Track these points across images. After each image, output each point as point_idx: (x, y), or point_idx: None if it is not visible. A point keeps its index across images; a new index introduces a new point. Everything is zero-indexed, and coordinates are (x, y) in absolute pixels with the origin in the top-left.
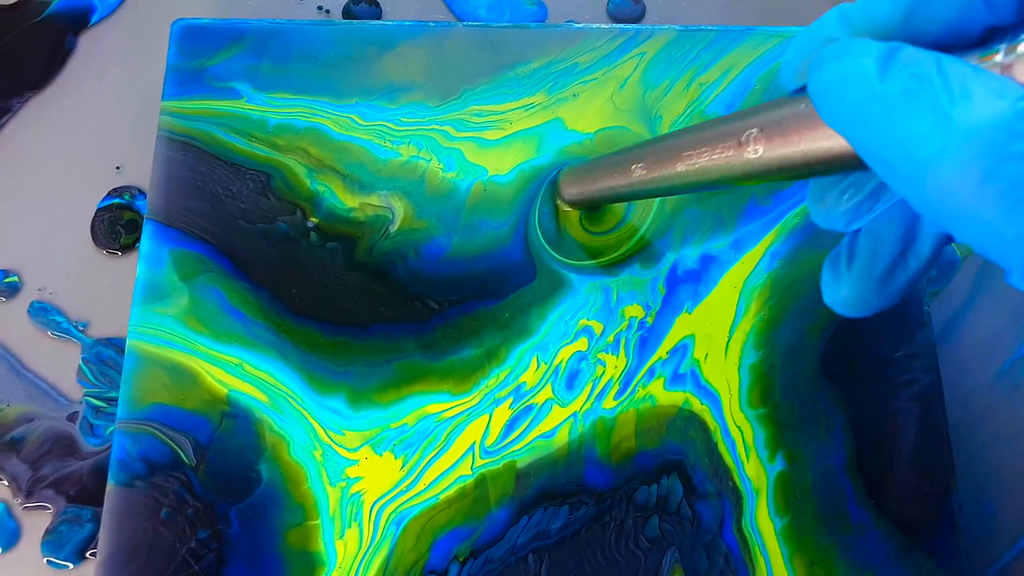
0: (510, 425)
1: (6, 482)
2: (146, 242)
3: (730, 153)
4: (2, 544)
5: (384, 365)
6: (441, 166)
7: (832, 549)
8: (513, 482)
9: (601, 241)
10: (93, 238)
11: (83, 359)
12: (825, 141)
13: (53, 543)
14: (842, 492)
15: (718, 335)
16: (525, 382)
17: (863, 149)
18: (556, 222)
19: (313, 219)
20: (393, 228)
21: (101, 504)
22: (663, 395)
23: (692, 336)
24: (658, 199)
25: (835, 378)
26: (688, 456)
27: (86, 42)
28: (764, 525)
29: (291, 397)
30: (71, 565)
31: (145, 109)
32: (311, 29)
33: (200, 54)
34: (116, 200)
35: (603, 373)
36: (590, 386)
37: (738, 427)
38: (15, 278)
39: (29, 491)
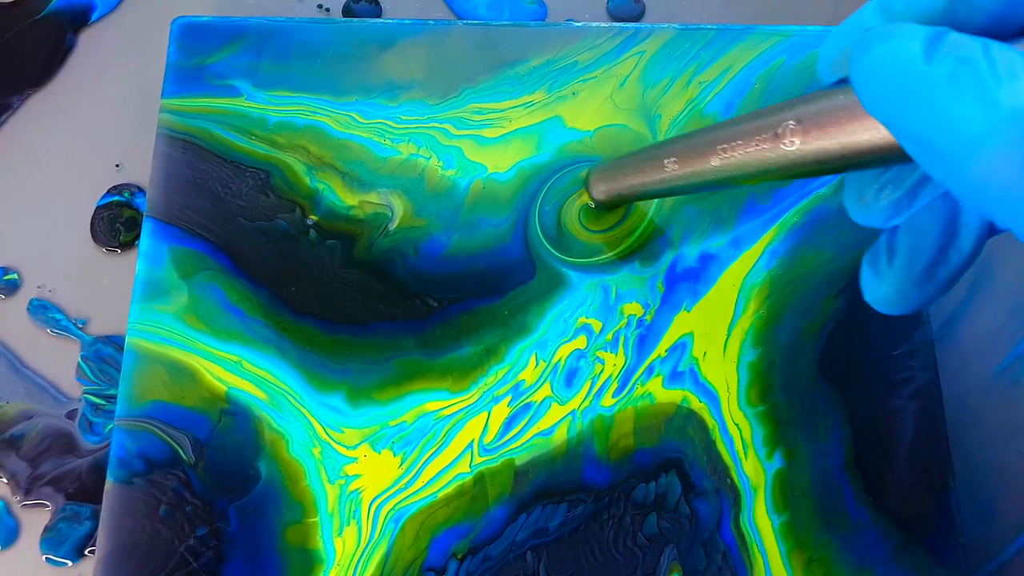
0: (509, 423)
1: (5, 479)
2: (146, 240)
3: (766, 146)
4: (1, 541)
5: (383, 363)
6: (440, 164)
7: (830, 546)
8: (512, 480)
9: (600, 239)
10: (93, 236)
11: (82, 356)
12: (864, 132)
13: (52, 540)
14: (840, 490)
15: (717, 333)
16: (524, 380)
17: (905, 134)
18: (555, 220)
19: (312, 217)
20: (392, 226)
21: (100, 501)
22: (662, 393)
23: (691, 334)
24: (655, 200)
25: (834, 376)
26: (686, 454)
27: (86, 40)
28: (762, 522)
29: (290, 395)
30: (70, 562)
31: (145, 107)
32: (311, 27)
33: (200, 52)
34: (116, 198)
35: (602, 371)
36: (589, 384)
37: (736, 425)
38: (14, 275)
39: (28, 488)
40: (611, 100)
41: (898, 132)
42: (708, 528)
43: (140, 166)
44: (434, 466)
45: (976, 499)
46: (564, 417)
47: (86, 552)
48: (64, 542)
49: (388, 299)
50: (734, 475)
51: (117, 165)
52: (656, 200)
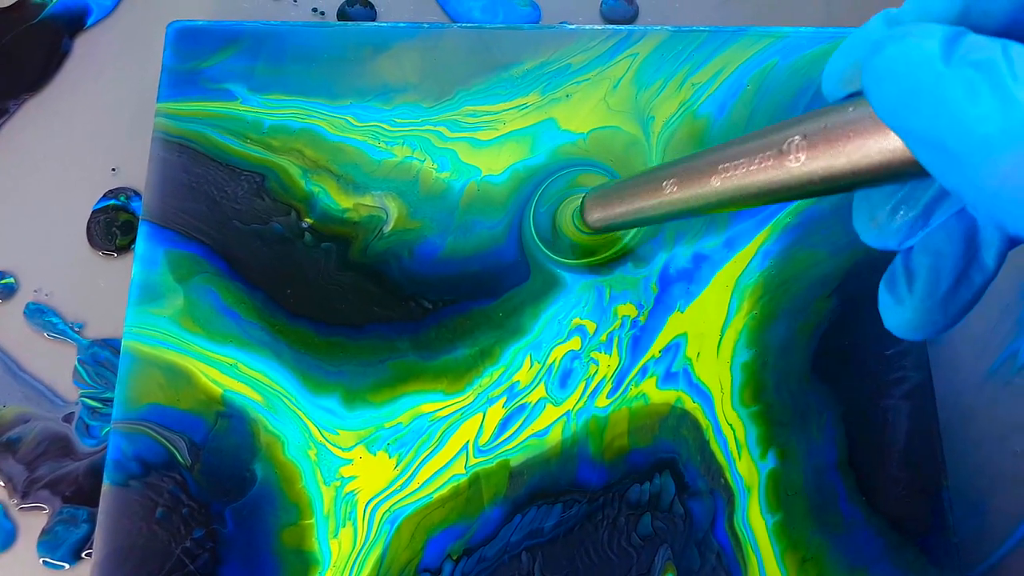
0: (503, 424)
1: (2, 483)
2: (141, 243)
3: (770, 163)
4: None
5: (378, 365)
6: (435, 166)
7: (824, 546)
8: (506, 481)
9: (594, 240)
10: (89, 239)
11: (79, 360)
12: (874, 145)
13: (49, 543)
14: (833, 489)
15: (710, 334)
16: (518, 381)
17: (918, 139)
18: (550, 222)
19: (308, 220)
20: (387, 228)
21: (97, 504)
22: (656, 393)
23: (684, 335)
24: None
25: (827, 376)
26: (680, 454)
27: (82, 44)
28: (756, 522)
29: (286, 397)
30: (67, 565)
31: (141, 111)
32: (306, 31)
33: (195, 56)
34: (112, 202)
35: (596, 372)
36: (583, 385)
37: (730, 425)
38: (11, 279)
39: (25, 492)
40: (605, 102)
41: (911, 137)
42: (702, 528)
43: (136, 170)
44: (429, 467)
45: (968, 498)
46: (559, 418)
47: (83, 555)
48: (61, 545)
49: (383, 301)
50: (728, 475)
51: (113, 169)
52: None
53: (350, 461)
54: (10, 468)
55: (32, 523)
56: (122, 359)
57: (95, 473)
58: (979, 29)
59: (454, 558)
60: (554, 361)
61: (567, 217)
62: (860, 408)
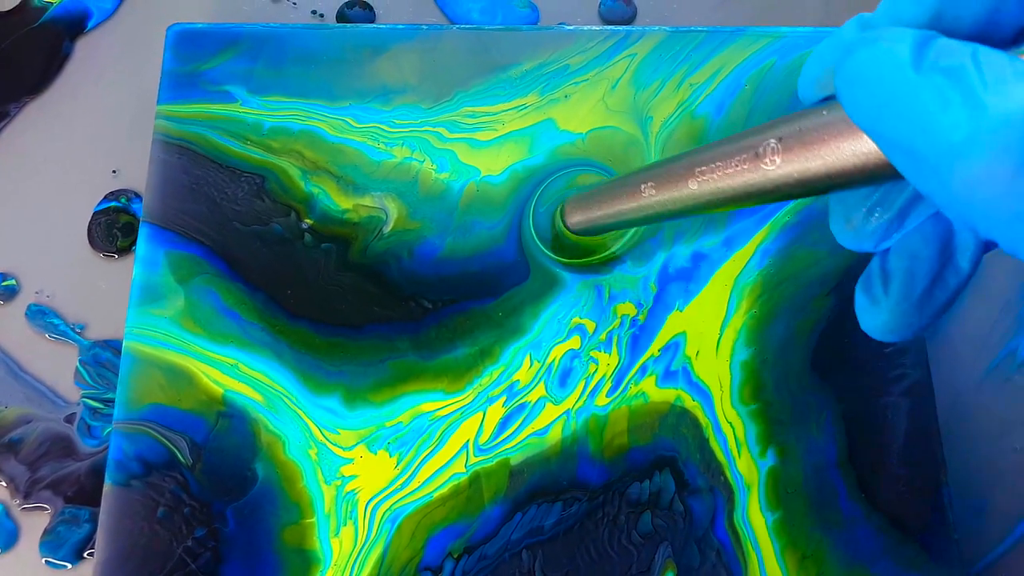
0: (504, 423)
1: (4, 483)
2: (142, 244)
3: (746, 167)
4: (1, 545)
5: (378, 364)
6: (434, 167)
7: (823, 543)
8: (507, 479)
9: (593, 240)
10: (90, 241)
11: (80, 361)
12: (849, 148)
13: (51, 543)
14: (833, 487)
15: (709, 332)
16: (518, 380)
17: (890, 143)
18: (549, 222)
19: (307, 221)
20: (387, 229)
21: (99, 504)
22: (655, 392)
23: (684, 333)
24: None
25: (826, 374)
26: (680, 452)
27: (82, 47)
28: (756, 520)
29: (286, 397)
30: (69, 565)
31: (141, 113)
32: (305, 33)
33: (195, 58)
34: (113, 203)
35: (596, 371)
36: (583, 384)
37: (729, 423)
38: (12, 281)
39: (27, 492)
40: (603, 102)
41: (883, 141)
42: (702, 526)
43: (136, 172)
44: (430, 466)
45: (968, 495)
46: (558, 417)
47: (85, 554)
48: (63, 545)
49: (383, 301)
50: (728, 473)
51: (114, 171)
52: None
53: (351, 460)
54: (12, 469)
55: (34, 523)
56: (123, 360)
57: (97, 473)
58: (951, 33)
59: (455, 556)
60: (554, 360)
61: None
62: (859, 406)
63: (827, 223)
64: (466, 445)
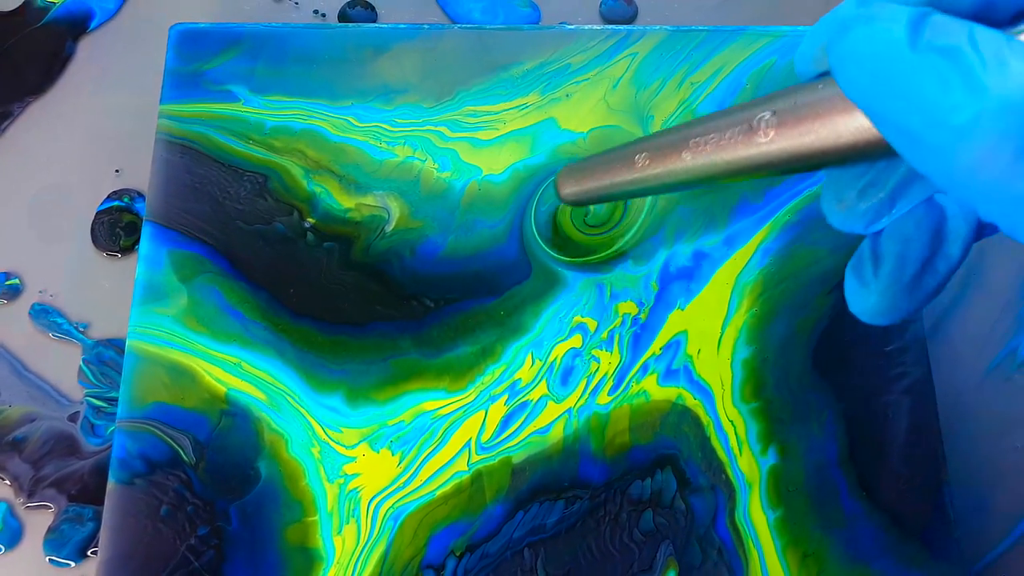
0: (505, 421)
1: (8, 482)
2: (145, 244)
3: (740, 139)
4: (5, 543)
5: (381, 363)
6: (436, 166)
7: (825, 541)
8: (509, 477)
9: (595, 238)
10: (93, 240)
11: (84, 360)
12: (844, 124)
13: (55, 542)
14: (834, 485)
15: (711, 331)
16: (520, 379)
17: (887, 123)
18: (550, 220)
19: (310, 219)
20: (389, 228)
21: (102, 503)
22: (657, 390)
23: (685, 332)
24: (649, 200)
25: (827, 372)
26: (681, 450)
27: (85, 47)
28: (757, 518)
29: (289, 395)
30: (73, 563)
31: (144, 113)
32: (307, 32)
33: (197, 58)
34: (116, 203)
35: (597, 369)
36: (584, 382)
37: (731, 421)
38: (16, 280)
39: (31, 491)
40: (604, 102)
41: (880, 121)
42: (704, 524)
43: (139, 171)
44: (432, 464)
45: (970, 493)
46: (560, 415)
47: (89, 553)
48: (67, 543)
49: (385, 300)
50: (729, 471)
51: (117, 170)
52: (649, 199)
53: (353, 459)
54: (16, 467)
55: (38, 521)
56: (126, 358)
57: (100, 472)
58: (949, 11)
59: (457, 554)
60: (555, 359)
61: (568, 216)
62: (860, 404)
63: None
64: (468, 443)
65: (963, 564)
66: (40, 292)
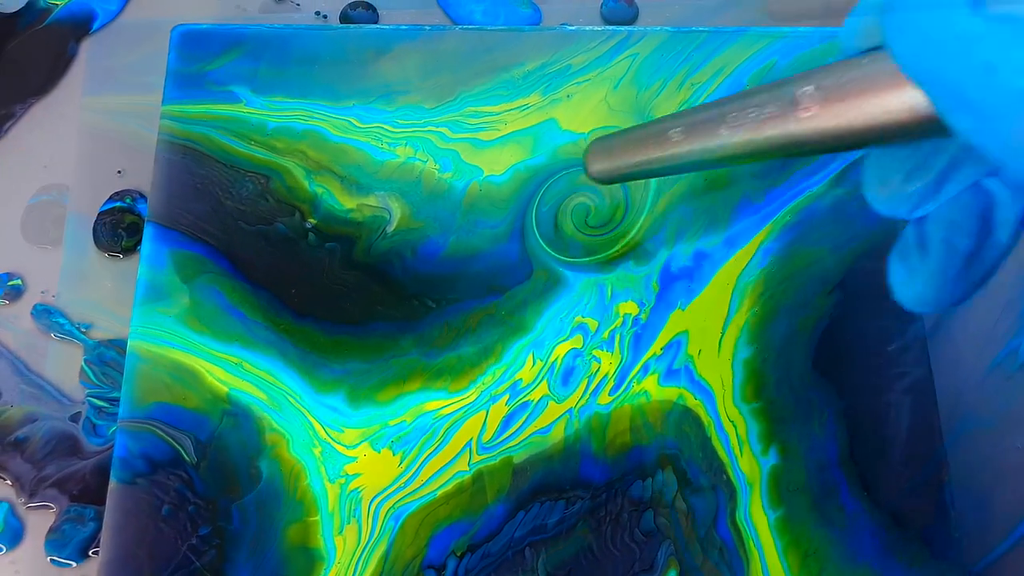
0: (507, 421)
1: (10, 482)
2: (147, 244)
3: (780, 115)
4: (6, 543)
5: (382, 363)
6: (437, 167)
7: (826, 540)
8: (510, 477)
9: (596, 239)
10: (95, 241)
11: (85, 360)
12: (892, 99)
13: (56, 542)
14: (835, 485)
15: (711, 331)
16: (521, 379)
17: (943, 92)
18: (552, 221)
19: (312, 220)
20: (390, 228)
21: (104, 503)
22: (657, 391)
23: (686, 332)
24: (650, 201)
25: (828, 372)
26: (682, 451)
27: (87, 48)
28: (758, 518)
29: (290, 395)
30: (74, 563)
31: (146, 114)
32: (309, 33)
33: (199, 59)
34: (118, 204)
35: (598, 369)
36: (585, 382)
37: (732, 421)
38: (19, 281)
39: (32, 491)
40: (605, 102)
41: (936, 90)
42: (704, 524)
43: (142, 172)
44: (433, 465)
45: (970, 493)
46: (561, 415)
47: (90, 553)
48: (68, 543)
49: (387, 300)
50: (730, 471)
51: (119, 171)
52: (649, 200)
53: (354, 459)
54: (18, 467)
55: (40, 521)
56: (128, 358)
57: (102, 472)
58: None
59: (458, 554)
60: (556, 359)
61: (569, 216)
62: (861, 404)
63: (829, 222)
64: (469, 443)
65: (964, 563)
66: (42, 293)
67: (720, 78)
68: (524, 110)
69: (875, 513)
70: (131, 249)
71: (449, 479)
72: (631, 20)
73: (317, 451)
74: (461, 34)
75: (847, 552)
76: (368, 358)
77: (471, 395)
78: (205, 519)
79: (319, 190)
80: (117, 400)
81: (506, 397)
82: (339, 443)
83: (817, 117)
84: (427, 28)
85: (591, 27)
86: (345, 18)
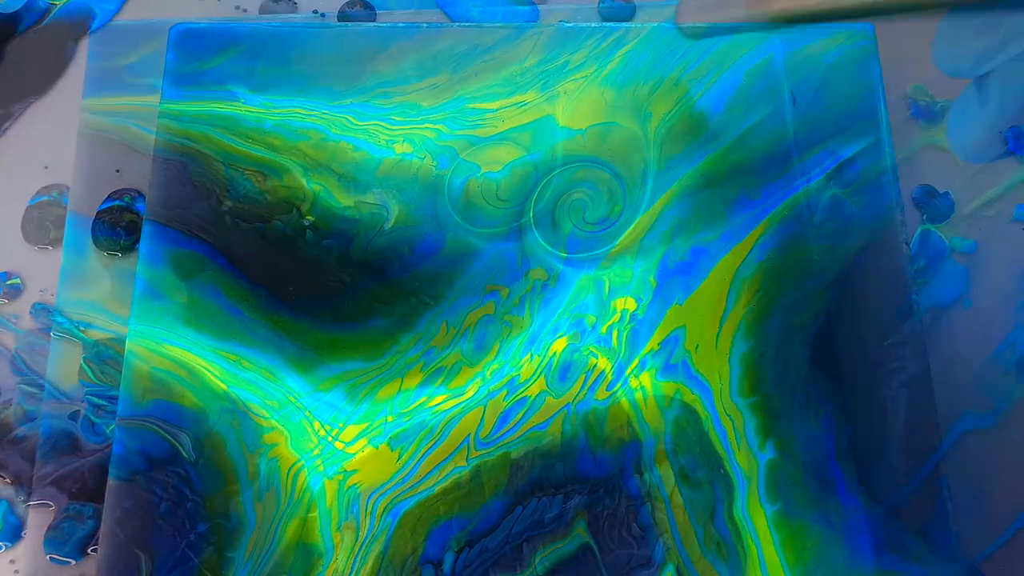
0: (504, 417)
1: (9, 480)
2: (145, 242)
3: None
4: (5, 541)
5: (380, 360)
6: (435, 164)
7: (823, 535)
8: (507, 473)
9: (593, 235)
10: (94, 240)
11: (84, 358)
12: None
13: (55, 540)
14: (832, 479)
15: (709, 326)
16: (519, 375)
17: None
18: (549, 217)
19: (309, 217)
20: (388, 225)
21: (103, 501)
22: (655, 386)
23: (683, 327)
24: (647, 197)
25: (825, 367)
26: (680, 445)
27: (86, 47)
28: (755, 512)
29: (288, 392)
30: (73, 561)
31: (144, 113)
32: (306, 32)
33: (197, 57)
34: (116, 202)
35: (595, 365)
36: (583, 378)
37: (729, 416)
38: (17, 280)
39: (31, 489)
40: (603, 99)
41: None
42: (702, 518)
43: (140, 171)
44: (431, 460)
45: (968, 487)
46: (559, 411)
47: (89, 551)
48: (67, 541)
49: (384, 297)
50: (727, 466)
51: (117, 170)
52: (647, 196)
53: (353, 455)
54: (17, 465)
55: (39, 519)
56: (127, 356)
57: (101, 470)
58: None
59: (456, 550)
60: (554, 354)
61: (566, 213)
62: (858, 398)
63: (826, 217)
64: (467, 439)
65: (962, 557)
66: (41, 291)
67: (717, 74)
68: (521, 107)
69: (872, 507)
70: (130, 248)
71: (447, 475)
72: (628, 17)
73: (315, 448)
74: (458, 31)
75: (844, 546)
76: (366, 355)
77: (469, 391)
78: (203, 516)
79: (317, 187)
80: (116, 398)
81: (504, 393)
82: (337, 440)
83: None
84: (425, 26)
85: (588, 24)
86: (343, 16)
